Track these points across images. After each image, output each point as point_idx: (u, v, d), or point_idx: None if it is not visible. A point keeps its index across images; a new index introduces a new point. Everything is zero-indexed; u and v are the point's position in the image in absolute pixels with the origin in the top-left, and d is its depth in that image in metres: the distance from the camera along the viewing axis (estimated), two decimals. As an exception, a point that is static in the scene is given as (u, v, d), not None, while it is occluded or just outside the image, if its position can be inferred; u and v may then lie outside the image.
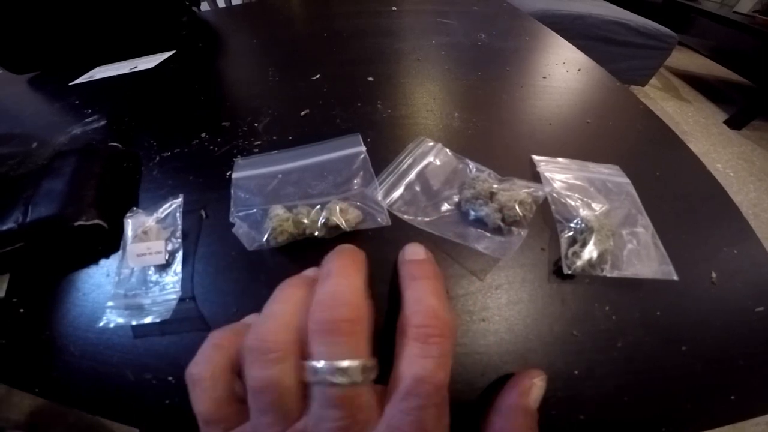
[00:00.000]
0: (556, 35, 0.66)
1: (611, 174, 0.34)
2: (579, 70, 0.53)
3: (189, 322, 0.26)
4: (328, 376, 0.16)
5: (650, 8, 2.11)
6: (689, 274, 0.27)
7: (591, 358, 0.23)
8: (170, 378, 0.23)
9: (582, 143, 0.39)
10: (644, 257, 0.27)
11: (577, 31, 1.49)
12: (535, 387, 0.20)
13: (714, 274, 0.27)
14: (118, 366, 0.24)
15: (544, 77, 0.51)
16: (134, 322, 0.25)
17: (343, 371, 0.16)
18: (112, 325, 0.25)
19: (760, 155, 1.77)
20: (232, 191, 0.31)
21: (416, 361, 0.17)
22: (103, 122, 0.45)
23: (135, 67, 0.57)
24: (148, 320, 0.25)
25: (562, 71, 0.52)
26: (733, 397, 0.23)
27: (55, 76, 0.57)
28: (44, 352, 0.25)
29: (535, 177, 0.33)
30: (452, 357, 0.18)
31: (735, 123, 1.93)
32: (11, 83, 0.56)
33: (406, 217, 0.29)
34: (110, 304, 0.26)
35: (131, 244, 0.28)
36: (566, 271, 0.25)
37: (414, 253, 0.23)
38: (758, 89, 1.82)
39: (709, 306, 0.26)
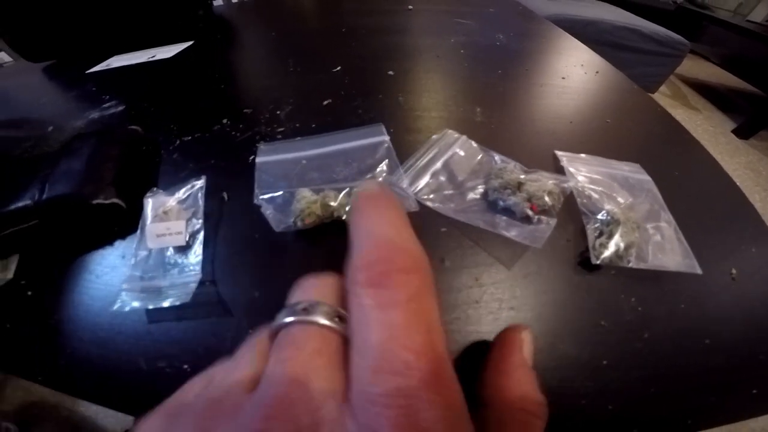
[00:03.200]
0: (573, 38, 0.66)
1: (632, 171, 0.34)
2: (597, 72, 0.53)
3: (208, 307, 0.25)
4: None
5: (662, 15, 2.11)
6: (710, 270, 0.27)
7: (618, 349, 0.23)
8: (186, 366, 0.22)
9: (602, 141, 0.39)
10: (668, 251, 0.27)
11: (589, 36, 1.49)
12: (525, 341, 0.18)
13: (734, 271, 0.28)
14: (129, 353, 0.23)
15: (563, 78, 0.51)
16: (150, 306, 0.24)
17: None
18: (126, 309, 0.24)
19: (767, 165, 1.76)
20: (256, 174, 0.31)
21: (373, 317, 0.11)
22: (121, 108, 0.45)
23: (153, 57, 0.58)
24: (166, 304, 0.24)
25: (581, 73, 0.53)
26: (754, 391, 0.23)
27: (70, 65, 0.57)
28: (51, 338, 0.24)
29: (559, 171, 0.33)
30: (438, 310, 0.12)
31: (743, 132, 1.92)
32: (27, 72, 0.57)
33: (433, 204, 0.29)
34: (125, 286, 0.25)
35: (151, 224, 0.28)
36: (594, 261, 0.25)
37: (365, 187, 0.15)
38: (768, 99, 1.81)
39: (729, 301, 0.26)
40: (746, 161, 1.78)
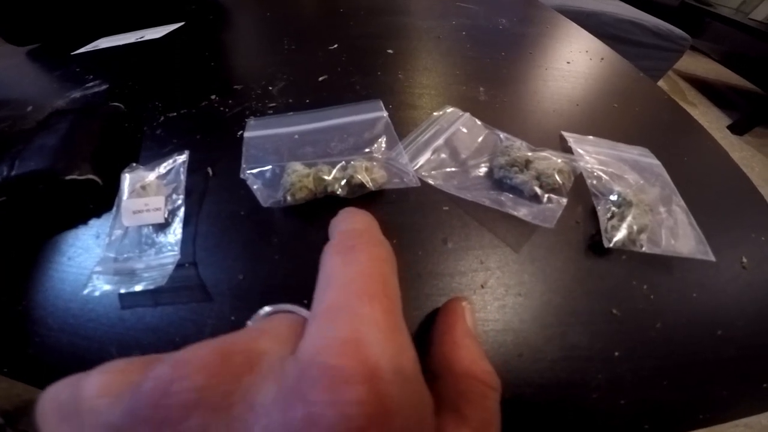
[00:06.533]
0: (577, 26, 0.65)
1: (641, 155, 0.33)
2: (602, 59, 0.51)
3: (187, 292, 0.23)
4: None
5: (665, 11, 2.08)
6: (721, 257, 0.26)
7: (631, 339, 0.22)
8: (162, 356, 0.21)
9: (610, 125, 0.37)
10: (681, 236, 0.26)
11: (591, 28, 1.43)
12: (467, 309, 0.19)
13: (744, 259, 0.27)
14: (101, 341, 0.21)
15: (568, 62, 0.49)
16: (123, 290, 0.22)
17: None
18: (97, 294, 0.22)
19: (760, 162, 1.77)
20: (243, 149, 0.29)
21: (336, 270, 0.13)
22: (104, 86, 0.42)
23: (142, 37, 0.55)
24: (139, 288, 0.22)
25: (586, 59, 0.51)
26: (765, 385, 0.22)
27: (56, 48, 0.54)
28: (18, 326, 0.22)
29: (566, 151, 0.32)
30: (397, 281, 0.13)
31: (738, 128, 1.92)
32: (10, 55, 0.53)
33: (435, 181, 0.27)
34: (97, 269, 0.23)
35: (127, 200, 0.25)
36: (606, 244, 0.24)
37: (349, 220, 0.17)
38: (765, 96, 1.81)
39: (741, 290, 0.25)
40: (739, 157, 1.79)
